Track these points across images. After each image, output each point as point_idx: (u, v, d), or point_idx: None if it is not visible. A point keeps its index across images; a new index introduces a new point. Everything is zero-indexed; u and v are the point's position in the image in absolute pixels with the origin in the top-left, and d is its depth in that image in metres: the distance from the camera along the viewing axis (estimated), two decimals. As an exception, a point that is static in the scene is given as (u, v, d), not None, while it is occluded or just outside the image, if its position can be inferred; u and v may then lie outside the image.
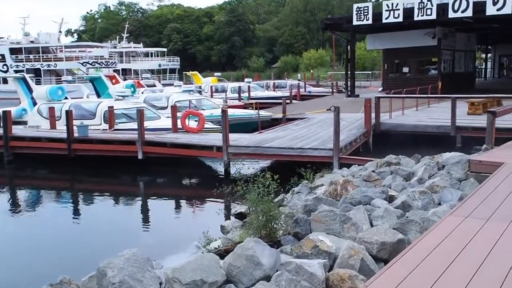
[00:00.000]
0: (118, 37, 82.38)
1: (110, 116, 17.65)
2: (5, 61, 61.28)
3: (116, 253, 5.27)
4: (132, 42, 79.41)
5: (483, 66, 50.98)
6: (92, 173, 15.94)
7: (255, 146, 13.77)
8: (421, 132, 17.31)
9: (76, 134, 16.09)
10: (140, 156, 15.08)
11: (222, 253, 6.29)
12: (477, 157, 9.07)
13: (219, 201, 12.55)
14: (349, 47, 31.86)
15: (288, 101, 30.70)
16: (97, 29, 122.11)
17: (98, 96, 24.74)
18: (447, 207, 6.76)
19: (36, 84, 44.57)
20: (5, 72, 60.93)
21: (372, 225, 6.55)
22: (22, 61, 61.40)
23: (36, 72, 60.52)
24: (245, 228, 6.83)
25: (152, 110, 19.05)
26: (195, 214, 12.10)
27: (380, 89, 33.58)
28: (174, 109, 17.00)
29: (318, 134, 15.81)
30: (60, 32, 67.16)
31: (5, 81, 60.44)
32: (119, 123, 17.93)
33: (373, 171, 9.68)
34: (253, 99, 33.44)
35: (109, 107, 17.83)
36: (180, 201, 13.35)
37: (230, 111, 21.13)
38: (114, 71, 64.57)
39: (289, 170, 11.41)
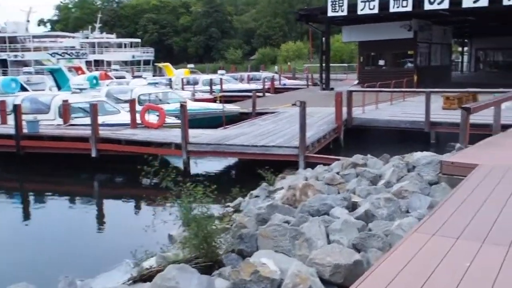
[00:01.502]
0: (90, 27, 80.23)
1: (64, 111, 16.51)
2: (-30, 51, 59.33)
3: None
4: (104, 33, 77.37)
5: (460, 60, 50.69)
6: (41, 172, 14.80)
7: (216, 143, 12.83)
8: (394, 127, 16.57)
9: (25, 130, 14.94)
10: (93, 154, 14.03)
11: (153, 275, 5.37)
12: (449, 158, 8.27)
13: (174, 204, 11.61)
14: (324, 39, 30.99)
15: (261, 94, 29.96)
16: (71, 19, 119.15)
17: (59, 88, 23.52)
18: (414, 218, 5.93)
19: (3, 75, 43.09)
20: (-30, 63, 59.03)
21: (329, 240, 5.69)
22: (-12, 52, 59.48)
23: (3, 63, 58.72)
24: (182, 245, 5.89)
25: (111, 103, 17.96)
26: (145, 218, 11.05)
27: (356, 82, 32.90)
28: (133, 103, 15.94)
29: (286, 130, 14.94)
30: (28, 21, 65.25)
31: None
32: (75, 118, 16.80)
33: (338, 173, 8.84)
34: (225, 91, 32.46)
35: (63, 100, 16.68)
36: (132, 203, 12.33)
37: (196, 105, 20.24)
38: (86, 62, 63.13)
39: (258, 168, 10.58)
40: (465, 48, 49.76)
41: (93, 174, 14.53)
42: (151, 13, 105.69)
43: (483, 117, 13.16)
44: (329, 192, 7.95)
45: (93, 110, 13.99)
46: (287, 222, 6.53)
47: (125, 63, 70.81)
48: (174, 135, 13.67)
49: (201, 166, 14.99)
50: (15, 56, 59.70)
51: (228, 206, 9.42)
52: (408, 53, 30.28)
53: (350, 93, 17.17)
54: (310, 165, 11.50)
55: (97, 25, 78.17)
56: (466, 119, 9.83)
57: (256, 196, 9.04)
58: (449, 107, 18.02)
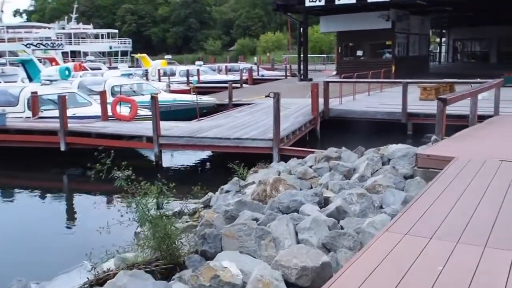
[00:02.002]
0: (66, 17, 78.75)
1: (33, 103, 15.95)
2: None
3: None
4: (81, 23, 76.01)
5: (438, 50, 50.82)
6: (7, 167, 14.25)
7: (188, 136, 12.46)
8: (371, 119, 16.36)
9: (-9, 123, 14.39)
10: (62, 148, 13.55)
11: (111, 278, 5.02)
12: (425, 150, 8.04)
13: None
14: (301, 29, 30.67)
15: (238, 85, 29.60)
16: (47, 9, 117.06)
17: (30, 80, 22.87)
18: (387, 215, 5.67)
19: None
20: None
21: (298, 239, 5.40)
22: (-38, 43, 58.00)
23: (-24, 54, 57.32)
24: (141, 246, 5.54)
25: (83, 95, 17.42)
26: (113, 214, 10.65)
27: (334, 73, 32.71)
28: (103, 94, 15.43)
29: (261, 121, 14.62)
30: (2, 11, 63.85)
31: None
32: (45, 110, 16.25)
33: (311, 167, 8.55)
34: (202, 83, 32.07)
35: (32, 92, 16.11)
36: (100, 199, 11.85)
37: (171, 97, 19.81)
38: (63, 53, 61.98)
39: (233, 161, 10.27)
40: (443, 39, 49.87)
41: (62, 168, 14.04)
42: (129, 4, 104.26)
43: (460, 107, 13.02)
44: (301, 187, 7.67)
45: (61, 102, 13.49)
46: (256, 219, 6.23)
47: (103, 54, 69.76)
48: (146, 128, 13.25)
49: (175, 159, 14.62)
50: (-11, 47, 58.31)
51: (199, 202, 9.11)
52: (386, 43, 30.14)
53: (326, 84, 16.91)
54: (285, 158, 11.21)
55: (74, 15, 76.72)
56: (442, 110, 9.61)
57: (227, 191, 8.71)
58: (426, 98, 17.88)
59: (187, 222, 7.87)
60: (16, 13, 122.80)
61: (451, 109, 11.93)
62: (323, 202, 6.78)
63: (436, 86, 18.54)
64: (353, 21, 29.69)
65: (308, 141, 15.59)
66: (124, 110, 15.39)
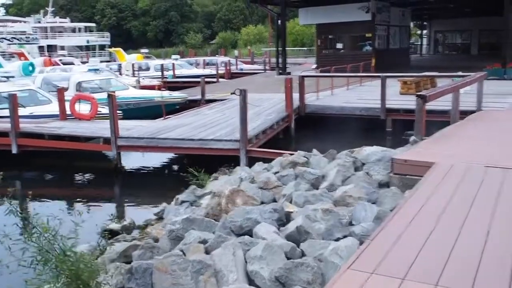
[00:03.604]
0: (43, 11, 76.81)
1: (-14, 102, 14.80)
2: None
3: None
4: (58, 17, 74.16)
5: (419, 42, 50.22)
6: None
7: (148, 137, 11.46)
8: (349, 115, 15.48)
9: None
10: (14, 150, 12.48)
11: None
12: (402, 155, 7.15)
13: (101, 205, 10.30)
14: (279, 22, 29.69)
15: (214, 79, 28.59)
16: (25, 3, 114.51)
17: (-8, 76, 21.57)
18: (354, 239, 4.78)
19: None
20: None
21: (247, 271, 4.49)
22: None
23: None
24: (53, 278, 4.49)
25: (42, 93, 16.30)
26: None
27: (314, 66, 31.82)
28: (61, 92, 14.33)
29: (232, 119, 13.63)
30: (-25, 5, 61.56)
31: None
32: (1, 109, 15.09)
33: (276, 173, 7.64)
34: (178, 77, 31.02)
35: (-16, 90, 14.98)
36: (48, 206, 10.78)
37: (138, 93, 18.77)
38: (39, 47, 60.28)
39: (196, 163, 9.37)
40: (424, 31, 49.27)
41: (12, 172, 12.96)
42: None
43: (442, 103, 12.18)
44: (263, 199, 6.76)
45: (12, 101, 12.40)
46: (204, 241, 5.33)
47: (80, 48, 68.07)
48: (105, 128, 12.20)
49: (139, 161, 13.59)
50: (-39, 41, 56.37)
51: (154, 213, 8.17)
52: (366, 36, 29.33)
53: (302, 78, 15.99)
54: (254, 160, 10.29)
55: (50, 9, 74.70)
56: (421, 108, 8.76)
57: (183, 202, 7.77)
58: (406, 92, 17.06)
59: (132, 239, 6.92)
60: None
61: (432, 104, 11.14)
62: (285, 219, 5.89)
63: (416, 80, 17.73)
64: (332, 13, 28.86)
65: (282, 140, 14.70)
66: (84, 109, 14.31)
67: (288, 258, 4.73)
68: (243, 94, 10.40)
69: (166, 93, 18.62)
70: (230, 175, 8.67)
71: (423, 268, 3.62)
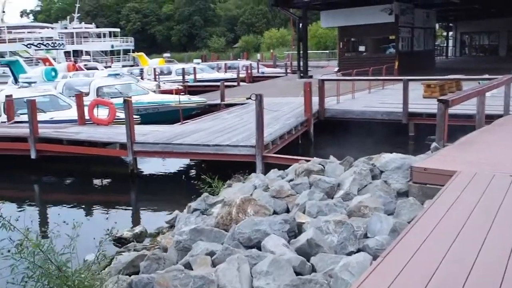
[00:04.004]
0: (69, 17, 78.01)
1: (8, 107, 14.88)
2: None
3: None
4: (83, 23, 75.19)
5: (445, 44, 49.35)
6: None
7: (164, 143, 11.31)
8: (369, 119, 15.13)
9: (-41, 130, 13.35)
10: (33, 156, 12.48)
11: None
12: (422, 162, 6.84)
13: (116, 211, 10.19)
14: (300, 25, 29.41)
15: (235, 83, 28.48)
16: (53, 9, 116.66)
17: (16, 81, 21.83)
18: (367, 255, 4.51)
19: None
20: None
21: (253, 287, 4.26)
22: (-37, 44, 57.31)
23: (-21, 56, 56.61)
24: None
25: (63, 98, 16.34)
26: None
27: (336, 69, 31.48)
28: (80, 97, 14.31)
29: (249, 124, 13.38)
30: (4, 12, 62.88)
31: None
32: (22, 114, 15.16)
33: (291, 181, 7.39)
34: (199, 81, 30.99)
35: (6, 96, 15.05)
36: (62, 212, 10.69)
37: (158, 98, 18.71)
38: (65, 53, 61.15)
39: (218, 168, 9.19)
40: (450, 33, 48.39)
41: (30, 177, 12.99)
42: (133, 2, 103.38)
43: (467, 106, 11.77)
44: (275, 208, 6.52)
45: (31, 106, 12.41)
46: (212, 253, 5.12)
47: (105, 53, 68.83)
48: (123, 133, 12.11)
49: (156, 166, 13.46)
50: (-10, 48, 57.50)
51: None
52: (389, 38, 28.85)
53: (321, 82, 15.71)
54: (271, 166, 10.05)
55: (76, 15, 75.79)
56: (443, 113, 8.41)
57: (195, 210, 7.57)
58: (430, 96, 16.60)
59: (142, 248, 6.76)
60: (23, 13, 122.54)
61: (456, 108, 10.77)
62: (297, 230, 5.65)
63: (441, 83, 17.27)
64: (354, 16, 28.44)
65: (301, 145, 14.45)
66: (103, 114, 14.27)
67: (297, 273, 4.50)
68: (259, 98, 10.18)
69: (185, 98, 18.51)
70: (244, 182, 8.45)
71: (441, 287, 3.35)
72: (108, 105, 14.12)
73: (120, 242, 7.60)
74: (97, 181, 12.73)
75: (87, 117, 14.25)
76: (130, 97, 11.82)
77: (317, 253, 4.88)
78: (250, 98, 10.33)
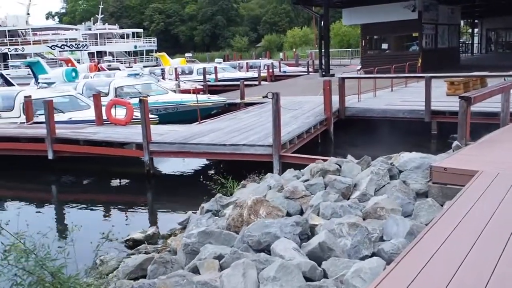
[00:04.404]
0: (92, 18, 78.94)
1: (27, 107, 14.95)
2: (-28, 46, 58.34)
3: None
4: (107, 24, 75.96)
5: (470, 41, 48.37)
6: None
7: (180, 143, 11.18)
8: (391, 118, 14.79)
9: (-21, 130, 13.46)
10: (50, 156, 12.48)
11: None
12: (442, 162, 6.55)
13: (131, 211, 10.11)
14: (322, 23, 29.07)
15: (256, 82, 28.30)
16: (78, 11, 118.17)
17: (37, 81, 21.98)
18: (380, 260, 4.27)
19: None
20: (-28, 57, 58.14)
21: (259, 293, 4.07)
22: (-11, 46, 58.45)
23: (4, 57, 57.58)
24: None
25: (82, 98, 16.37)
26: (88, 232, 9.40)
27: (359, 67, 31.05)
28: (97, 97, 14.29)
29: (268, 123, 13.10)
30: (28, 14, 63.76)
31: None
32: (41, 115, 15.21)
33: (306, 181, 7.17)
34: (220, 81, 30.90)
35: (25, 96, 15.12)
36: (79, 213, 10.62)
37: (178, 97, 18.63)
38: (89, 53, 61.88)
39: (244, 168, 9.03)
40: (476, 29, 47.39)
41: (48, 177, 13.00)
42: (157, 3, 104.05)
43: (492, 103, 11.39)
44: (289, 209, 6.32)
45: (48, 107, 12.42)
46: (220, 256, 4.94)
47: (128, 53, 69.46)
48: (139, 133, 12.01)
49: (173, 166, 13.33)
50: (15, 49, 58.44)
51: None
52: (412, 35, 28.33)
53: (342, 80, 15.41)
54: (288, 166, 9.82)
55: (99, 16, 76.65)
56: (465, 111, 8.10)
57: (208, 211, 7.41)
58: (453, 93, 16.13)
59: (154, 250, 6.62)
60: (49, 15, 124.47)
61: (480, 105, 10.42)
62: (310, 232, 5.44)
63: (465, 80, 16.81)
64: (377, 13, 28.01)
65: (321, 144, 14.19)
66: (120, 114, 14.23)
67: (307, 279, 4.29)
68: (275, 97, 9.97)
69: (204, 97, 18.40)
70: (258, 182, 8.25)
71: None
72: (126, 105, 14.06)
73: (132, 244, 7.48)
74: (114, 181, 12.66)
75: (105, 117, 14.21)
76: (146, 97, 11.72)
77: (330, 257, 4.66)
78: (266, 96, 10.11)
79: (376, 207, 5.71)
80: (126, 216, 9.98)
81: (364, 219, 5.72)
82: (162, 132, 12.30)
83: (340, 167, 7.21)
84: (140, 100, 11.32)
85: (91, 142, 12.19)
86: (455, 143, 7.74)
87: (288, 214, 6.19)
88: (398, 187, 6.33)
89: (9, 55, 56.89)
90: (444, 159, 6.77)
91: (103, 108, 14.20)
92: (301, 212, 6.39)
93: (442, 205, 5.93)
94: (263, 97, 10.69)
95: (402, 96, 17.65)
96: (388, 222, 5.21)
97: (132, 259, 5.73)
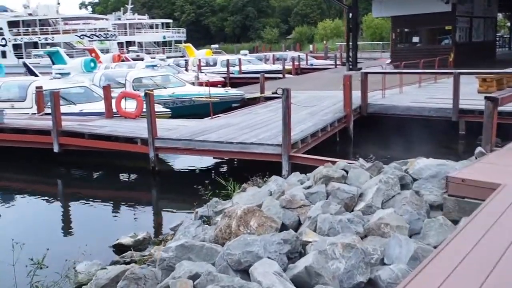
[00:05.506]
0: (122, 8, 79.28)
1: (38, 98, 14.63)
2: (3, 35, 59.06)
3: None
4: (136, 14, 76.12)
5: (508, 35, 46.47)
6: (5, 169, 13.03)
7: (186, 139, 10.58)
8: (416, 116, 13.91)
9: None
10: (56, 149, 12.08)
11: None
12: (459, 172, 5.78)
13: (129, 211, 9.62)
14: (350, 15, 28.09)
15: (280, 75, 27.59)
16: (110, 1, 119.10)
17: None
18: (379, 287, 3.60)
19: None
20: (4, 46, 58.92)
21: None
22: (20, 35, 59.01)
23: (35, 46, 58.15)
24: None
25: (95, 90, 15.96)
26: (83, 231, 8.91)
27: (388, 61, 29.98)
28: (107, 89, 13.81)
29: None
30: (59, 3, 64.15)
31: (3, 55, 58.37)
32: (52, 106, 14.88)
33: (309, 187, 6.49)
34: (244, 73, 30.27)
35: (37, 87, 14.78)
36: (77, 209, 10.14)
37: (195, 90, 18.09)
38: (118, 43, 62.04)
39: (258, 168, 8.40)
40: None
41: (53, 170, 12.63)
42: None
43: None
44: (284, 220, 5.67)
45: (54, 99, 12.00)
46: (196, 276, 4.33)
47: (157, 44, 69.41)
48: (143, 127, 11.47)
49: (181, 162, 12.76)
50: (45, 39, 58.96)
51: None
52: (445, 28, 27.11)
53: (364, 75, 14.58)
54: (298, 167, 9.13)
55: (129, 6, 76.77)
56: (491, 113, 7.30)
57: (202, 217, 6.80)
58: (485, 91, 15.10)
59: (141, 259, 6.06)
60: (82, 5, 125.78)
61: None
62: (302, 250, 4.78)
63: (498, 77, 15.75)
64: (408, 4, 26.87)
65: (339, 144, 13.44)
66: (131, 106, 13.74)
67: (287, 312, 3.65)
68: (285, 93, 9.27)
69: (222, 90, 17.81)
70: (260, 186, 7.59)
71: None
72: (136, 98, 13.56)
73: (120, 249, 6.95)
74: (118, 177, 12.16)
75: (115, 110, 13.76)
76: (152, 90, 11.16)
77: (317, 283, 4.00)
78: (276, 92, 9.43)
79: (380, 223, 5.02)
80: (124, 215, 9.50)
81: (366, 236, 5.05)
82: (170, 127, 11.77)
83: (347, 173, 6.49)
84: (146, 94, 10.78)
85: (95, 136, 11.72)
86: (478, 149, 6.94)
87: (283, 226, 5.54)
88: (409, 199, 5.60)
89: (40, 44, 57.43)
90: (463, 168, 5.99)
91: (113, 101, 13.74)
92: (299, 224, 5.74)
93: (458, 221, 5.20)
94: (273, 93, 10.01)
95: (429, 92, 16.70)
96: (390, 242, 4.51)
97: (104, 272, 5.17)
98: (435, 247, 4.38)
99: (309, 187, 6.50)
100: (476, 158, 6.72)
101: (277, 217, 5.59)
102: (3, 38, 59.27)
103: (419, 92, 17.05)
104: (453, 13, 26.23)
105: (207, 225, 6.24)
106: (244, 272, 4.35)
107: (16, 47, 58.91)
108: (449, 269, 3.47)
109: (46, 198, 10.82)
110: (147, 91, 10.90)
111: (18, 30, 59.57)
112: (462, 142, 13.32)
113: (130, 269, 4.78)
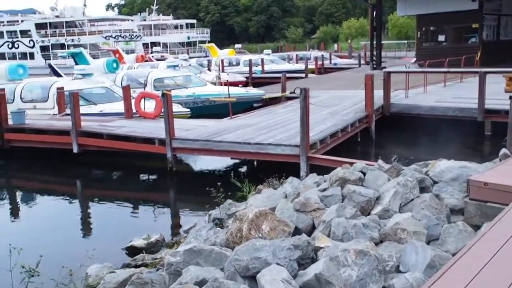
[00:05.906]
0: (147, 9, 80.00)
1: (59, 99, 14.70)
2: (31, 37, 60.10)
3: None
4: (161, 15, 76.70)
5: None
6: (25, 168, 13.11)
7: (203, 139, 10.47)
8: (440, 116, 13.55)
9: (10, 122, 13.26)
10: (75, 150, 12.11)
11: None
12: (482, 174, 5.51)
13: (145, 211, 9.56)
14: (374, 13, 27.69)
15: (303, 75, 27.36)
16: (137, 2, 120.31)
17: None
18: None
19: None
20: (32, 47, 59.95)
21: None
22: (48, 36, 59.98)
23: (62, 47, 58.99)
24: None
25: (116, 90, 15.98)
26: (96, 234, 8.86)
27: (413, 60, 29.46)
28: (127, 89, 13.79)
29: (303, 120, 12.33)
30: (85, 5, 64.99)
31: (31, 56, 59.35)
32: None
33: (325, 190, 6.29)
34: (267, 73, 30.11)
35: (58, 88, 14.86)
36: (94, 209, 10.10)
37: (216, 90, 17.99)
38: (143, 44, 62.61)
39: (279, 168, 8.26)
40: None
41: (73, 170, 12.66)
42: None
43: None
44: (298, 224, 5.49)
45: (73, 99, 12.02)
46: (203, 282, 4.20)
47: (182, 44, 69.81)
48: (161, 128, 11.40)
49: (202, 162, 12.65)
50: (72, 40, 59.78)
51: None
52: (472, 26, 26.49)
53: (387, 74, 14.28)
54: (317, 169, 8.91)
55: (154, 7, 77.42)
56: (517, 112, 6.94)
57: (215, 219, 6.67)
58: (513, 90, 14.71)
59: (152, 262, 5.96)
60: (108, 7, 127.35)
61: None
62: (314, 255, 4.59)
63: (526, 76, 15.27)
64: (434, 3, 26.32)
65: (360, 144, 13.17)
66: (150, 107, 13.70)
67: (294, 322, 3.47)
68: (303, 93, 9.08)
69: (243, 90, 17.69)
70: (276, 187, 7.42)
71: None
72: (155, 98, 13.51)
73: (133, 251, 6.85)
74: (136, 177, 12.11)
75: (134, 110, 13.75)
76: (170, 91, 11.07)
77: (327, 293, 3.81)
78: (293, 92, 9.25)
79: (396, 228, 4.80)
80: (141, 216, 9.42)
81: (381, 241, 4.83)
82: (189, 127, 11.68)
83: (364, 175, 6.27)
84: (163, 94, 10.69)
85: (114, 136, 11.70)
86: (503, 151, 6.63)
87: (297, 230, 5.36)
88: (428, 203, 5.36)
89: (66, 46, 58.22)
90: (486, 171, 5.72)
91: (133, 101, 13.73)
92: (313, 228, 5.55)
93: (480, 227, 4.95)
94: (291, 92, 9.82)
95: (455, 92, 16.30)
96: (406, 249, 4.30)
97: (113, 276, 5.07)
98: (453, 254, 4.16)
99: (324, 190, 6.30)
100: (500, 160, 6.43)
101: (290, 221, 5.42)
102: (31, 40, 60.28)
103: (444, 92, 16.65)
104: (480, 11, 25.61)
105: (219, 228, 6.10)
106: (252, 279, 4.19)
107: (44, 48, 59.82)
108: (468, 278, 3.25)
109: (64, 198, 10.83)
110: (164, 91, 10.81)
111: (46, 32, 60.52)
112: (488, 143, 12.94)
113: (137, 273, 4.66)
